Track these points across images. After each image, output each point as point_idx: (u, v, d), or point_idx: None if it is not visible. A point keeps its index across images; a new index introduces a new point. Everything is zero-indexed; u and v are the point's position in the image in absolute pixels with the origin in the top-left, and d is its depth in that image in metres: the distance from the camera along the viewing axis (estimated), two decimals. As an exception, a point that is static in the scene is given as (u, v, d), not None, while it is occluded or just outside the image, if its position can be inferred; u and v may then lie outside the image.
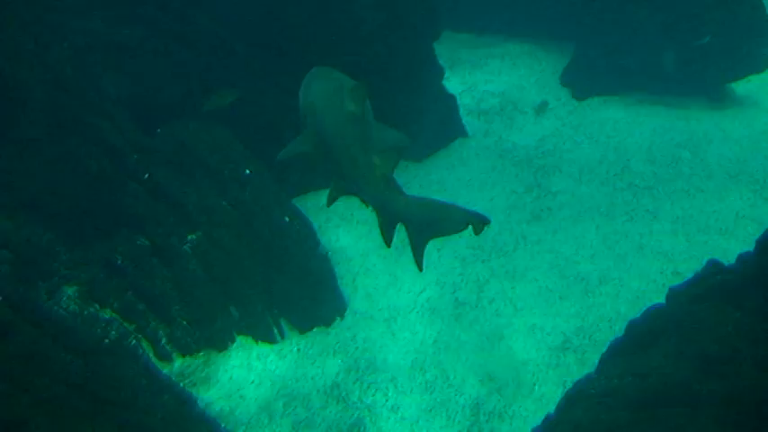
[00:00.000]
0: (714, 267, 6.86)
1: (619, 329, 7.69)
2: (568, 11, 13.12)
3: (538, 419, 7.11)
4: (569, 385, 7.06)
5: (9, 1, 8.67)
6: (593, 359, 7.39)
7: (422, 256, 6.09)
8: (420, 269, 6.14)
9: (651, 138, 11.55)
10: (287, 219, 8.83)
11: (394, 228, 6.04)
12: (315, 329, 8.66)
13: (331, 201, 6.22)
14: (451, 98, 11.53)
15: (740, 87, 12.51)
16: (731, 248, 8.98)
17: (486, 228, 9.19)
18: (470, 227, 5.88)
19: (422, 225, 5.97)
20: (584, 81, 12.67)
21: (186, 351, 8.20)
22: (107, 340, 7.78)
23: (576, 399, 6.59)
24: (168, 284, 8.25)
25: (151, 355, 8.02)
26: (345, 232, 9.77)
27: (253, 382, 8.10)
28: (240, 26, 9.84)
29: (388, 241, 6.06)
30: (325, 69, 6.60)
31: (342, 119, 5.99)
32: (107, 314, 7.99)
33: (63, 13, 9.13)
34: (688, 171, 10.83)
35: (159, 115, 9.21)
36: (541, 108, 11.83)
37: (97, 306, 8.08)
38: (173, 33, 9.61)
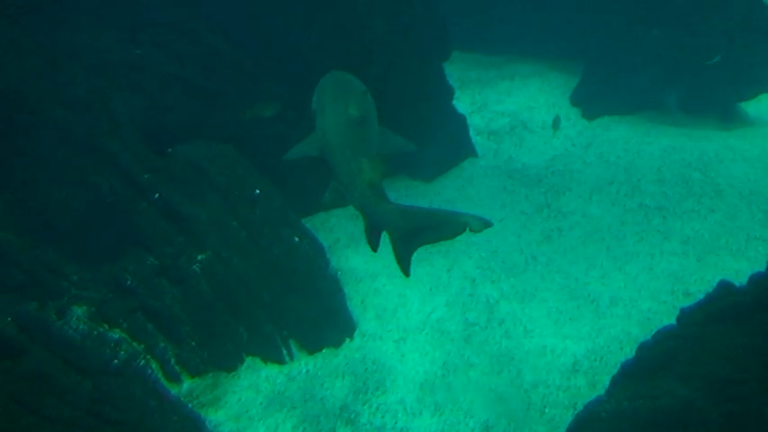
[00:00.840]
0: (725, 288, 6.82)
1: (629, 351, 7.66)
2: (578, 31, 13.15)
3: (548, 442, 7.07)
4: (580, 408, 7.01)
5: (22, 21, 8.76)
6: (604, 381, 7.33)
7: (408, 263, 6.22)
8: (407, 275, 6.28)
9: (661, 157, 11.52)
10: (296, 239, 8.83)
11: (379, 234, 6.23)
12: (324, 350, 8.63)
13: (327, 203, 6.55)
14: (461, 118, 11.55)
15: (750, 107, 12.50)
16: (742, 269, 8.95)
17: (496, 248, 9.21)
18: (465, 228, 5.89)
19: (406, 233, 6.04)
20: (594, 101, 12.68)
21: (195, 372, 8.19)
22: (116, 361, 7.77)
23: (586, 422, 6.54)
24: (177, 305, 8.25)
25: (160, 375, 8.00)
26: (355, 252, 9.76)
27: (261, 404, 8.07)
28: (251, 47, 9.90)
29: (373, 246, 6.27)
30: (339, 74, 6.84)
31: (342, 123, 6.25)
32: (116, 334, 7.99)
33: (76, 34, 9.20)
34: (699, 191, 10.79)
35: (170, 135, 9.24)
36: (556, 124, 11.81)
37: (106, 326, 8.07)
38: (185, 54, 9.67)
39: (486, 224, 5.74)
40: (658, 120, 12.36)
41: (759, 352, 5.91)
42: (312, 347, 8.64)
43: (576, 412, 7.01)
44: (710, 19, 12.07)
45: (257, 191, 8.92)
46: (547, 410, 7.96)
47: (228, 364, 8.34)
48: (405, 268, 6.19)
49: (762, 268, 6.70)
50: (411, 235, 6.09)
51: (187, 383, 8.14)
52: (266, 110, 9.16)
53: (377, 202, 6.07)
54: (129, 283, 8.27)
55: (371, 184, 6.05)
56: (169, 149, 9.02)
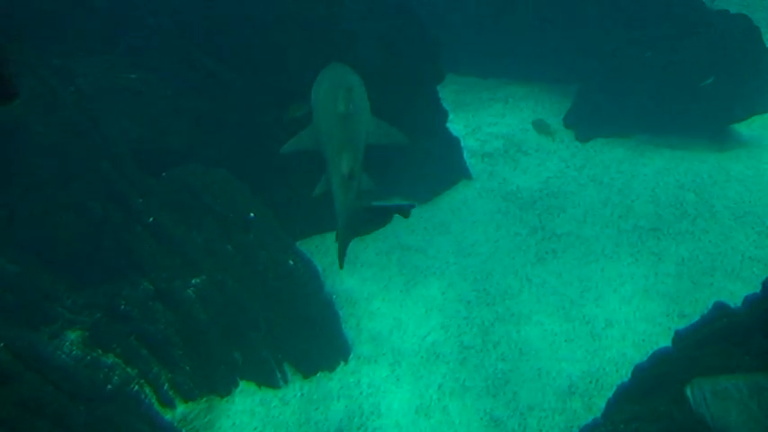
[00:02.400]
0: (720, 310, 6.82)
1: (625, 373, 7.64)
2: (571, 54, 13.23)
3: (544, 466, 7.02)
4: (576, 431, 6.98)
5: (16, 45, 8.77)
6: (600, 404, 7.31)
7: (345, 253, 7.03)
8: (341, 267, 7.14)
9: (655, 179, 11.55)
10: (291, 262, 8.81)
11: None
12: (319, 374, 8.59)
13: (317, 195, 7.07)
14: (456, 140, 11.57)
15: (744, 128, 12.55)
16: (737, 290, 8.96)
17: (491, 270, 9.22)
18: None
19: (352, 226, 6.88)
20: (588, 123, 12.72)
21: (189, 397, 8.14)
22: (109, 386, 7.73)
23: (582, 445, 6.51)
24: (171, 329, 8.22)
25: (154, 400, 7.96)
26: (350, 275, 9.74)
27: (256, 428, 8.02)
28: (246, 70, 9.92)
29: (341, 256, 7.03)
30: (336, 67, 7.40)
31: (330, 118, 6.79)
32: (110, 359, 7.95)
33: (70, 58, 9.22)
34: (693, 212, 10.81)
35: (164, 159, 9.24)
36: (543, 128, 11.90)
37: (100, 351, 8.03)
38: (180, 78, 9.68)
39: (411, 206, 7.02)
40: (652, 141, 12.40)
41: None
42: (307, 371, 8.60)
43: (572, 435, 6.99)
44: (703, 42, 12.16)
45: (252, 214, 8.91)
46: (543, 434, 7.93)
47: (223, 388, 8.30)
48: (342, 257, 7.03)
49: (757, 289, 6.70)
50: (357, 226, 6.91)
51: (181, 408, 8.08)
52: (298, 110, 9.23)
53: (342, 193, 6.71)
54: (122, 307, 8.24)
55: (349, 177, 6.63)
56: (163, 173, 9.02)
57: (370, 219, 6.95)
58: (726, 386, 5.20)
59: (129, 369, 7.95)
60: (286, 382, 8.52)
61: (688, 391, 5.30)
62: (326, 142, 6.81)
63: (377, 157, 10.11)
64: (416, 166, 10.91)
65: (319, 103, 6.98)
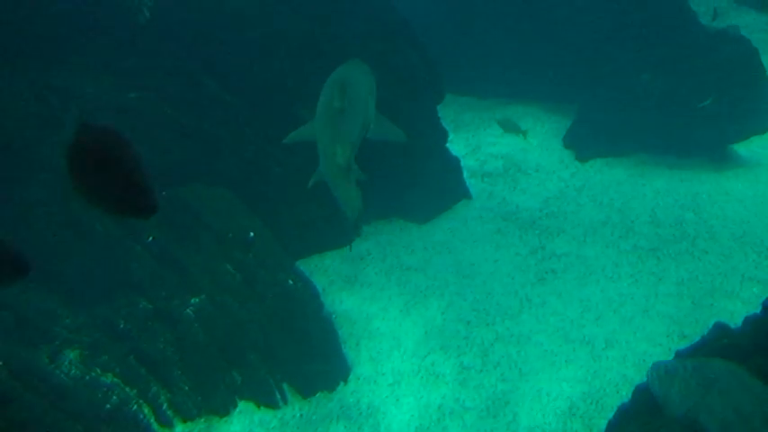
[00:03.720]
0: (721, 330, 6.80)
1: (626, 394, 7.60)
2: (570, 74, 13.27)
3: (545, 487, 6.98)
4: (576, 452, 6.95)
5: (17, 64, 8.80)
6: (601, 425, 7.28)
7: (355, 234, 8.10)
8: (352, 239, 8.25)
9: (655, 199, 11.56)
10: (291, 281, 8.80)
11: (344, 212, 7.23)
12: (318, 394, 8.56)
13: (310, 187, 7.38)
14: (455, 160, 11.60)
15: (742, 148, 12.58)
16: (737, 310, 8.95)
17: (491, 290, 9.22)
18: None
19: (359, 210, 7.24)
20: (587, 143, 12.75)
21: (187, 416, 8.10)
22: (108, 405, 7.71)
23: (583, 466, 6.47)
24: (170, 349, 8.20)
25: (152, 420, 7.93)
26: (349, 295, 9.73)
27: (255, 448, 7.99)
28: (246, 90, 9.95)
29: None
30: (352, 63, 7.82)
31: (326, 113, 7.15)
32: (108, 379, 7.93)
33: (72, 77, 9.25)
34: (692, 233, 10.81)
35: (165, 178, 9.24)
36: (510, 127, 11.95)
37: (99, 370, 8.01)
38: (180, 98, 9.72)
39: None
40: (651, 162, 12.42)
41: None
42: (306, 391, 8.57)
43: (572, 456, 6.95)
44: (701, 63, 12.21)
45: (252, 234, 8.92)
46: (543, 455, 7.89)
47: (221, 408, 8.26)
48: (353, 236, 7.94)
49: (757, 309, 6.69)
50: (359, 208, 7.23)
51: (179, 428, 8.05)
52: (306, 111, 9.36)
53: (343, 183, 7.06)
54: (122, 326, 8.23)
55: (341, 168, 6.99)
56: (163, 192, 9.03)
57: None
58: (675, 366, 5.60)
59: (127, 389, 7.93)
60: (285, 402, 8.48)
61: (647, 373, 5.72)
62: (321, 135, 7.19)
63: (377, 177, 10.16)
64: (416, 186, 10.93)
65: (320, 97, 7.35)
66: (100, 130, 3.94)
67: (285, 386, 8.55)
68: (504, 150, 12.79)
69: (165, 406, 8.03)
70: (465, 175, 11.76)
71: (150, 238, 8.53)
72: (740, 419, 5.04)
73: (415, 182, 10.86)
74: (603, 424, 7.02)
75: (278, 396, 8.46)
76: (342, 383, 8.67)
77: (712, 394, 5.20)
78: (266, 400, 8.41)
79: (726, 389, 5.22)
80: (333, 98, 7.07)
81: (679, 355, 7.01)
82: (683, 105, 12.14)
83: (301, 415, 8.34)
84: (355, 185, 7.16)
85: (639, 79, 12.43)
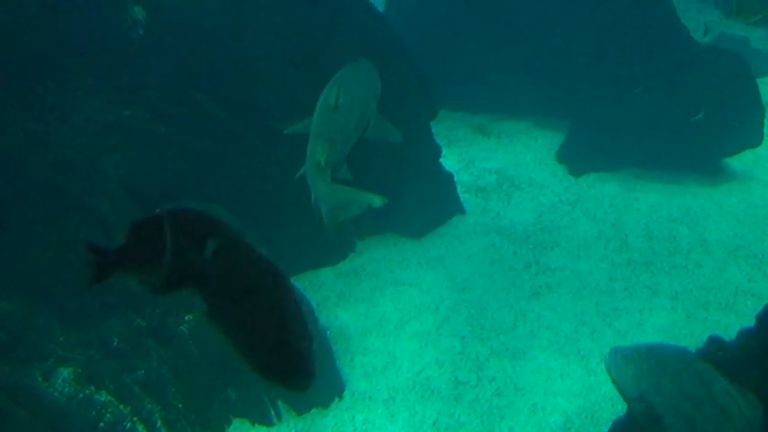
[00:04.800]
0: (715, 344, 6.79)
1: (621, 408, 7.59)
2: (563, 89, 13.32)
3: (540, 502, 6.97)
4: (572, 466, 6.94)
5: (10, 81, 8.81)
6: (596, 439, 7.28)
7: (334, 233, 7.53)
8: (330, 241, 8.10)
9: (648, 213, 11.59)
10: (285, 298, 8.77)
11: (319, 209, 7.33)
12: (313, 411, 8.54)
13: (297, 177, 7.56)
14: (449, 175, 11.61)
15: (735, 162, 12.62)
16: (731, 324, 8.94)
17: (485, 304, 9.24)
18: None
19: (334, 206, 7.29)
20: (580, 157, 12.78)
21: (182, 434, 8.08)
22: (102, 423, 7.67)
23: (578, 480, 6.47)
24: (165, 366, 8.17)
25: (146, 438, 7.90)
26: (343, 311, 9.72)
27: (250, 465, 7.97)
28: (240, 108, 9.98)
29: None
30: (355, 64, 8.13)
31: (321, 109, 7.42)
32: (102, 397, 7.89)
33: (65, 94, 9.26)
34: (686, 246, 10.84)
35: (158, 195, 9.25)
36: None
37: (93, 388, 7.98)
38: (174, 115, 9.73)
39: (383, 200, 7.29)
40: (644, 176, 12.46)
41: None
42: (301, 408, 8.55)
43: (568, 471, 6.94)
44: (693, 77, 12.27)
45: (245, 250, 8.89)
46: (539, 470, 7.88)
47: (216, 425, 8.24)
48: (330, 236, 7.57)
49: (751, 323, 6.69)
50: (337, 209, 7.32)
51: (174, 446, 8.02)
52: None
53: (318, 179, 7.22)
54: (116, 343, 8.20)
55: (318, 165, 7.16)
56: (157, 209, 9.02)
57: (348, 202, 7.43)
58: (631, 350, 5.83)
59: (121, 406, 7.89)
60: (280, 419, 8.46)
61: (605, 357, 5.94)
62: (312, 130, 7.43)
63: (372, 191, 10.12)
64: (410, 201, 10.94)
65: (321, 95, 7.65)
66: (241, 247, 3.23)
67: (280, 403, 8.53)
68: (498, 165, 12.83)
69: (159, 423, 7.99)
70: (459, 190, 11.78)
71: (144, 256, 8.50)
72: (688, 401, 5.32)
73: (408, 197, 10.87)
74: (599, 438, 7.03)
75: (273, 413, 8.44)
76: (336, 400, 8.65)
77: (663, 377, 5.46)
78: (261, 417, 8.38)
79: (676, 372, 5.47)
80: (328, 96, 7.35)
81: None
82: (676, 119, 12.19)
83: (296, 432, 8.34)
84: (330, 183, 7.32)
85: (632, 93, 12.48)
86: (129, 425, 7.80)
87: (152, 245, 3.24)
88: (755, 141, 12.33)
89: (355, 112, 7.52)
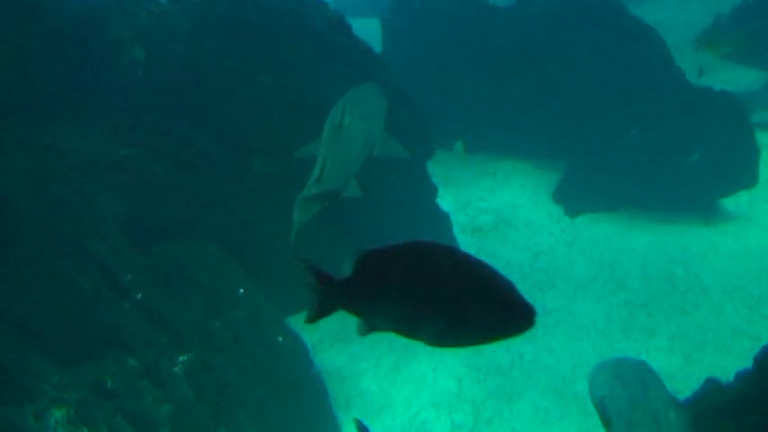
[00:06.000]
0: (713, 385, 6.76)
1: (619, 451, 7.53)
2: (559, 130, 13.40)
3: None
4: None
5: (7, 120, 8.84)
6: (594, 482, 7.19)
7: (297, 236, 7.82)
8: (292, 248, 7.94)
9: (645, 254, 11.58)
10: (280, 338, 8.75)
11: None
12: (308, 453, 8.46)
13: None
14: (445, 216, 11.61)
15: (731, 203, 12.65)
16: (729, 365, 8.88)
17: (481, 346, 9.05)
18: None
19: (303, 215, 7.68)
20: (577, 198, 12.81)
21: (175, 476, 7.97)
22: (94, 466, 7.58)
23: None
24: (158, 407, 8.08)
25: (139, 481, 7.79)
26: (339, 352, 9.66)
27: None
28: (236, 147, 10.01)
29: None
30: (366, 86, 8.45)
31: (326, 129, 7.76)
32: (95, 438, 7.80)
33: (63, 134, 9.29)
34: (683, 287, 10.81)
35: (154, 234, 9.25)
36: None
37: (85, 430, 7.88)
38: (171, 155, 9.76)
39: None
40: (640, 216, 12.48)
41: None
42: (296, 450, 8.46)
43: None
44: (688, 119, 12.36)
45: (241, 290, 8.88)
46: None
47: (209, 468, 8.14)
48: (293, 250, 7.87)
49: (748, 364, 6.65)
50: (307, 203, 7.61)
51: (167, 489, 7.91)
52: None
53: (307, 193, 7.52)
54: (109, 384, 8.12)
55: (318, 179, 7.43)
56: (153, 248, 9.01)
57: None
58: (604, 362, 6.61)
59: (114, 448, 7.81)
60: (274, 460, 8.37)
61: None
62: (320, 149, 7.72)
63: (368, 232, 10.18)
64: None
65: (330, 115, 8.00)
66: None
67: (274, 444, 8.45)
68: (494, 205, 12.85)
69: (152, 465, 7.90)
70: (455, 230, 11.77)
71: (139, 296, 8.47)
72: (630, 405, 6.03)
73: (405, 237, 10.84)
74: (596, 482, 6.94)
75: (267, 455, 8.34)
76: (332, 442, 8.57)
77: (618, 385, 6.17)
78: (255, 458, 8.29)
79: (628, 380, 6.18)
80: (334, 116, 7.69)
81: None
82: (672, 160, 12.25)
83: (291, 475, 8.23)
84: (313, 200, 7.61)
85: (628, 134, 12.55)
86: (121, 467, 7.71)
87: (383, 278, 3.30)
88: (750, 182, 12.38)
89: (361, 131, 7.79)
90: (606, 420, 6.22)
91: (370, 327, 3.43)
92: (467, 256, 3.48)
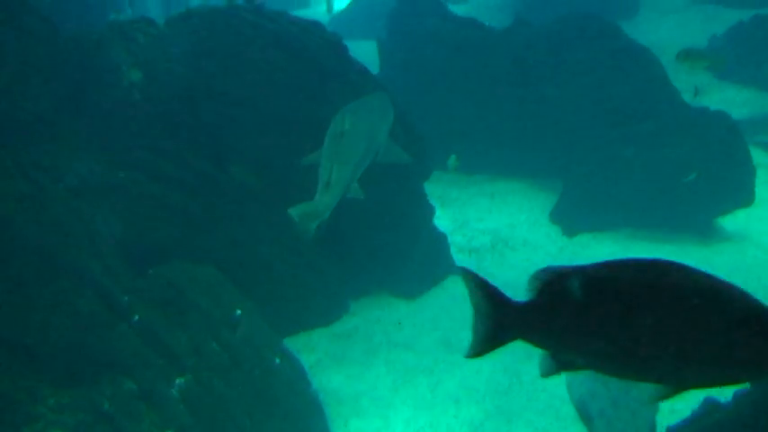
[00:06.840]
0: (711, 405, 6.76)
1: (618, 472, 7.50)
2: (558, 149, 13.45)
3: None
4: None
5: (4, 142, 8.86)
6: (593, 504, 7.15)
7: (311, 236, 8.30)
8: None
9: (642, 274, 11.55)
10: (278, 360, 8.72)
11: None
12: (305, 475, 8.41)
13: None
14: (443, 236, 11.63)
15: (727, 222, 12.68)
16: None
17: (479, 367, 9.17)
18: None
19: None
20: (574, 218, 12.84)
21: (172, 500, 7.93)
22: (90, 489, 7.54)
23: None
24: (155, 430, 8.06)
25: (136, 504, 7.75)
26: (336, 373, 9.63)
27: None
28: (233, 168, 10.04)
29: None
30: (372, 96, 9.18)
31: (329, 135, 8.22)
32: (91, 461, 7.77)
33: (60, 156, 9.31)
34: (681, 306, 10.78)
35: (151, 256, 9.25)
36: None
37: (82, 453, 7.86)
38: (168, 177, 9.78)
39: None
40: (637, 236, 12.49)
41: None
42: (293, 472, 8.42)
43: None
44: (684, 139, 12.41)
45: (238, 311, 8.87)
46: None
47: (207, 491, 8.10)
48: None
49: (746, 384, 6.65)
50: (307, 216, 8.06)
51: None
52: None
53: (321, 197, 7.91)
54: (106, 407, 8.09)
55: (326, 184, 7.85)
56: (150, 270, 9.01)
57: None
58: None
59: (110, 472, 7.77)
60: (272, 483, 8.32)
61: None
62: (322, 156, 8.14)
63: (365, 254, 10.18)
64: (404, 262, 10.94)
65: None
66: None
67: (271, 467, 8.40)
68: (492, 226, 12.86)
69: (148, 489, 7.86)
70: (452, 250, 11.78)
71: (136, 318, 8.46)
72: (612, 405, 6.40)
73: (402, 258, 10.87)
74: (595, 503, 6.91)
75: (264, 477, 8.30)
76: (329, 464, 8.53)
77: (598, 384, 6.61)
78: (252, 481, 8.25)
79: (607, 380, 6.53)
80: (336, 124, 8.13)
81: (670, 430, 6.96)
82: (668, 180, 12.29)
83: (288, 497, 8.18)
84: (323, 205, 8.00)
85: (624, 154, 12.60)
86: (117, 490, 7.67)
87: (562, 305, 2.70)
88: (747, 201, 12.42)
89: (363, 138, 8.15)
90: (587, 419, 6.61)
91: (560, 363, 2.79)
92: (708, 276, 2.88)
